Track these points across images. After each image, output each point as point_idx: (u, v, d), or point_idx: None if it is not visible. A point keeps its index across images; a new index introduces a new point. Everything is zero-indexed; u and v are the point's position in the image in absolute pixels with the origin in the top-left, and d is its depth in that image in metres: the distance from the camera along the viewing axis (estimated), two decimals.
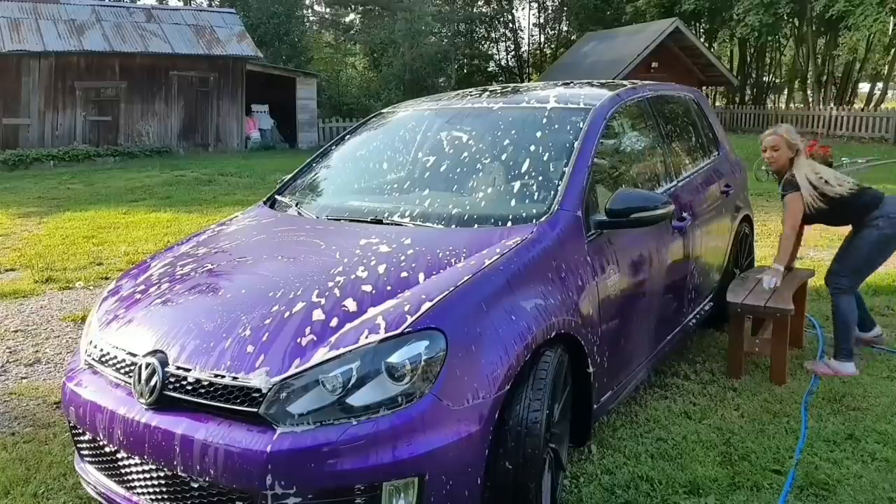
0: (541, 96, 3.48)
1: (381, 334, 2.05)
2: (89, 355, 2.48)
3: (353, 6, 33.23)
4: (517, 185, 2.95)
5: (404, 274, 2.33)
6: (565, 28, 34.63)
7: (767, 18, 22.15)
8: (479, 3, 34.15)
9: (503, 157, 3.13)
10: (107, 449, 2.26)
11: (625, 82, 3.90)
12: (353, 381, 1.98)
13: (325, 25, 33.63)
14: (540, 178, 2.92)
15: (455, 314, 2.14)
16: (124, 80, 18.72)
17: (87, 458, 2.43)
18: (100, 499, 2.38)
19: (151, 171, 14.59)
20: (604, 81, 4.13)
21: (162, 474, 2.10)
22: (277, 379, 2.00)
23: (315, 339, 2.08)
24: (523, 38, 36.11)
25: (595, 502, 2.61)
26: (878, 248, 3.76)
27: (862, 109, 21.85)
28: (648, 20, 25.98)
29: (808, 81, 28.00)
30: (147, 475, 2.15)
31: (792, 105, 29.05)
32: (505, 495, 2.14)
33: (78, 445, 2.49)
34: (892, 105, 26.42)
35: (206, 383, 2.08)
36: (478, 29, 34.42)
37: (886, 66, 27.23)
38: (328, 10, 33.55)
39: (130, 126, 18.90)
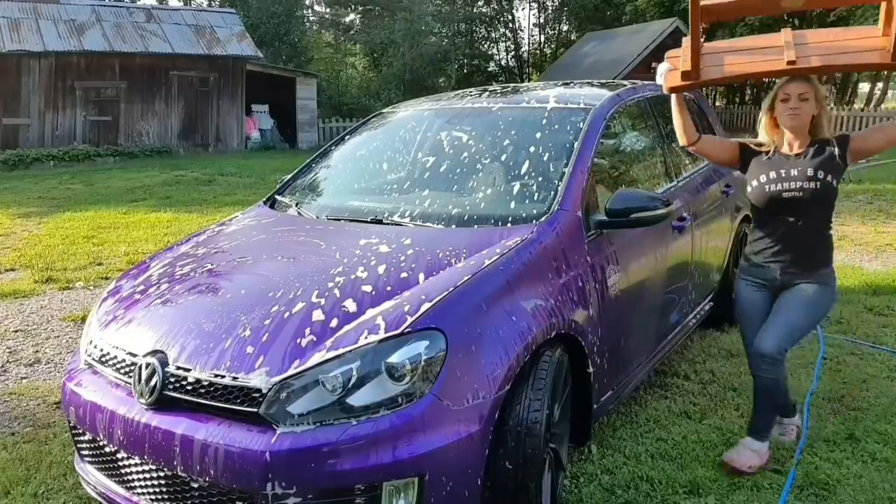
0: (541, 96, 3.48)
1: (381, 334, 2.05)
2: (89, 355, 2.48)
3: (353, 6, 33.23)
4: (517, 185, 2.95)
5: (404, 274, 2.33)
6: (565, 28, 34.63)
7: (767, 18, 22.15)
8: (479, 3, 34.15)
9: (503, 158, 3.13)
10: (107, 449, 2.26)
11: (625, 82, 3.89)
12: (353, 381, 1.98)
13: (325, 25, 33.63)
14: (540, 178, 2.92)
15: (455, 314, 2.14)
16: (124, 80, 18.73)
17: (87, 458, 2.43)
18: (100, 499, 2.38)
19: (151, 171, 14.59)
20: (604, 81, 4.13)
21: (162, 474, 2.11)
22: (277, 379, 2.00)
23: (315, 339, 2.08)
24: (523, 38, 36.12)
25: (595, 502, 2.60)
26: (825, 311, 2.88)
27: (862, 109, 21.87)
28: (648, 20, 25.97)
29: None
30: (147, 475, 2.15)
31: None
32: (505, 495, 2.14)
33: (78, 445, 2.49)
34: (892, 105, 26.42)
35: (206, 383, 2.08)
36: (478, 29, 34.42)
37: None
38: (328, 10, 33.55)
39: (130, 126, 18.92)
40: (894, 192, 10.30)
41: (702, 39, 2.67)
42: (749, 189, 2.81)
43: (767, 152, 2.80)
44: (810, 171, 2.66)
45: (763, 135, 2.83)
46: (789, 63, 2.54)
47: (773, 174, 2.72)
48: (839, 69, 2.71)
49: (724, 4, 2.79)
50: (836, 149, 2.69)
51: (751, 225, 2.90)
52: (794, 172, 2.68)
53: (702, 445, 2.98)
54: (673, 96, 2.86)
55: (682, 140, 2.91)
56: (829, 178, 2.65)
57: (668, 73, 2.79)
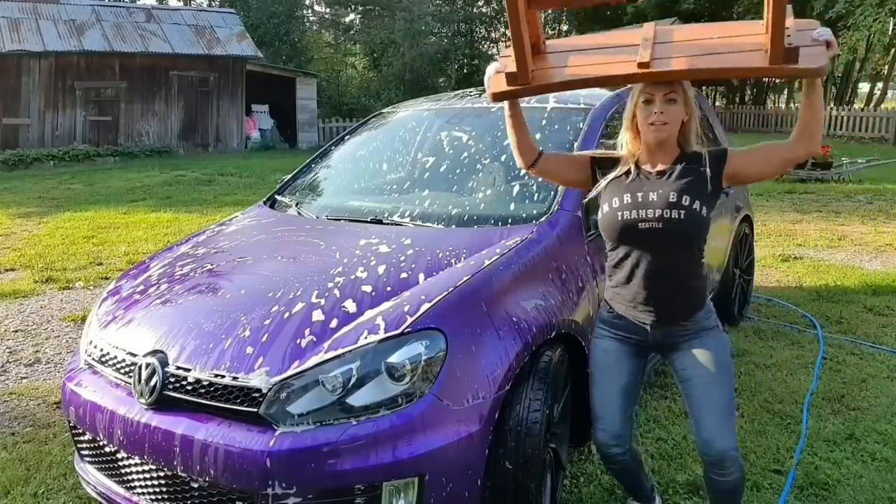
0: (540, 96, 3.48)
1: (381, 334, 2.05)
2: (89, 355, 2.48)
3: (353, 6, 33.24)
4: (517, 185, 2.95)
5: (404, 274, 2.34)
6: (565, 28, 34.62)
7: None
8: (479, 3, 34.16)
9: (503, 158, 3.13)
10: (107, 449, 2.26)
11: None
12: (353, 381, 1.99)
13: (325, 25, 33.64)
14: None
15: (455, 314, 2.14)
16: (124, 80, 18.74)
17: (87, 458, 2.43)
18: (100, 499, 2.38)
19: (151, 171, 14.59)
20: None
21: (162, 474, 2.11)
22: (277, 379, 2.00)
23: (315, 339, 2.08)
24: None
25: (595, 502, 2.60)
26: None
27: (862, 109, 21.88)
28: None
29: None
30: (147, 475, 2.15)
31: (792, 105, 29.07)
32: (505, 495, 2.14)
33: (78, 445, 2.49)
34: (892, 105, 26.44)
35: (206, 383, 2.08)
36: (478, 29, 34.41)
37: (886, 66, 27.26)
38: (328, 10, 33.57)
39: (130, 126, 18.92)
40: (894, 192, 10.30)
41: (527, 35, 2.00)
42: (599, 215, 2.17)
43: (627, 172, 2.13)
44: (673, 197, 2.02)
45: (626, 151, 2.16)
46: (641, 66, 1.93)
47: (627, 198, 2.07)
48: (705, 74, 2.04)
49: None
50: (709, 169, 2.06)
51: (606, 261, 2.24)
52: (652, 197, 2.04)
53: None
54: (505, 109, 2.15)
55: (518, 162, 2.24)
56: (696, 205, 2.02)
57: (494, 76, 2.09)
